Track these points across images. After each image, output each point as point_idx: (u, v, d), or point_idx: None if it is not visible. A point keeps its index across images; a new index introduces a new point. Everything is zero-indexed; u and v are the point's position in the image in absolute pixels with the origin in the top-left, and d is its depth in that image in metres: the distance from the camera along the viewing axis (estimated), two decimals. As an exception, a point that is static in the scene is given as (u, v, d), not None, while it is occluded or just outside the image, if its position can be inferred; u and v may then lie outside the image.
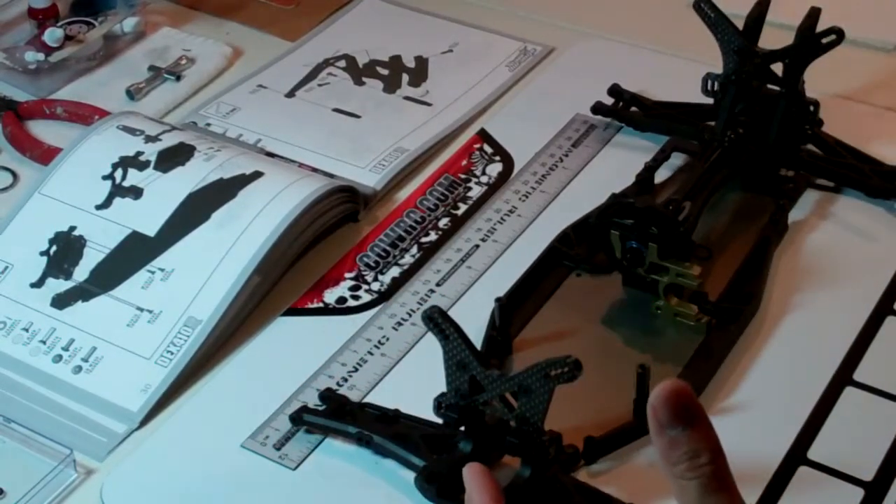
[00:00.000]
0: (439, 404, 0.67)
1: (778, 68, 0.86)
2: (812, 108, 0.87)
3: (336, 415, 0.71)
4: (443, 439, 0.68)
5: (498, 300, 0.77)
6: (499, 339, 0.76)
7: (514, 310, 0.78)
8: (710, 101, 0.89)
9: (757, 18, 0.86)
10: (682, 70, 0.96)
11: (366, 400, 0.74)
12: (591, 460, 0.70)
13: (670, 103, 0.94)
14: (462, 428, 0.67)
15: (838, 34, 0.83)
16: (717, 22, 0.86)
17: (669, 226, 0.75)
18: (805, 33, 0.84)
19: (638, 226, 0.76)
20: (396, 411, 0.71)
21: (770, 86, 0.87)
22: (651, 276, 0.77)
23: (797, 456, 0.70)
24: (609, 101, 0.96)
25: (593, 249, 0.81)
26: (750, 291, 0.79)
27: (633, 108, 0.95)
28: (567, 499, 0.65)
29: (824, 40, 0.83)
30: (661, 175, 0.85)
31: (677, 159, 0.88)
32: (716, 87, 0.88)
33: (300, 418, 0.72)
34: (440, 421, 0.68)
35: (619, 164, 0.90)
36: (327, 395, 0.73)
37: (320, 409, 0.72)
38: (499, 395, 0.65)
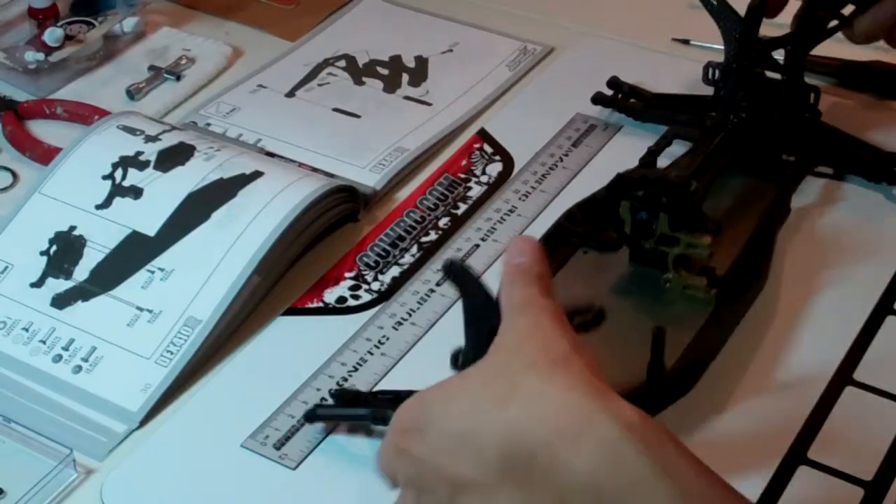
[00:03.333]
0: (456, 359, 0.66)
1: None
2: (813, 94, 0.87)
3: (350, 405, 0.71)
4: None
5: None
6: None
7: None
8: (710, 94, 0.89)
9: (758, 7, 0.86)
10: (683, 70, 0.97)
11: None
12: None
13: (669, 95, 0.95)
14: None
15: (841, 18, 0.82)
16: (719, 10, 0.86)
17: (680, 196, 0.75)
18: (806, 19, 0.84)
19: (648, 197, 0.75)
20: (411, 392, 0.71)
21: (771, 73, 0.87)
22: (661, 247, 0.76)
23: (797, 456, 0.70)
24: (609, 93, 0.96)
25: (599, 228, 0.81)
26: (757, 266, 0.79)
27: (633, 100, 0.95)
28: None
29: (828, 25, 0.83)
30: (661, 163, 0.85)
31: (677, 148, 0.87)
32: (717, 76, 0.88)
33: (315, 416, 0.72)
34: None
35: (619, 164, 0.89)
36: (339, 394, 0.73)
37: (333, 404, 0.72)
38: None
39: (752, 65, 0.86)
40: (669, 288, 0.77)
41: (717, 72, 0.88)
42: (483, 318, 0.64)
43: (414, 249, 0.85)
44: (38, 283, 0.81)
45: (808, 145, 0.89)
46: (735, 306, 0.77)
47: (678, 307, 0.77)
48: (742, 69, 0.86)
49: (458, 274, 0.64)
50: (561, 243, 0.82)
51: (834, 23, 0.83)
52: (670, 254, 0.76)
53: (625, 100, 0.95)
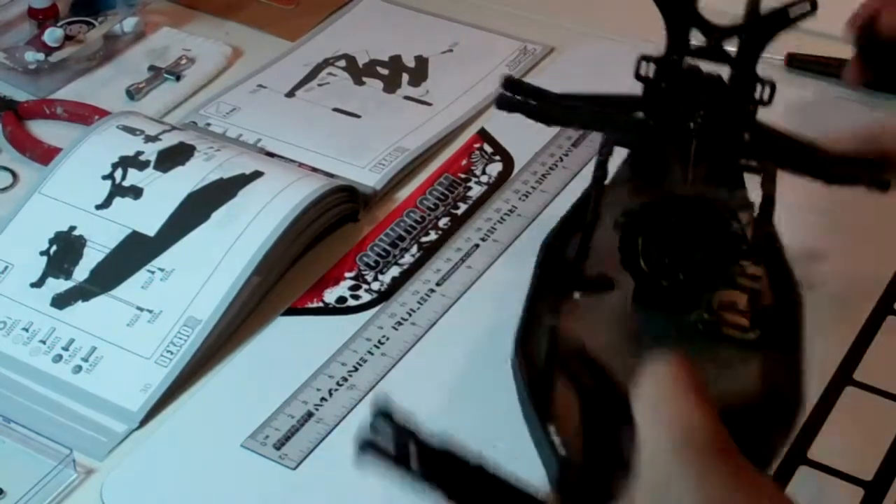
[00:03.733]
0: (560, 477, 0.56)
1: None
2: (770, 89, 0.72)
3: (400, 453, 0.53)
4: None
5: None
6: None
7: None
8: (627, 93, 0.76)
9: None
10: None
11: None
12: None
13: (580, 95, 0.79)
14: None
15: (812, 3, 0.69)
16: None
17: (725, 222, 0.64)
18: (754, 10, 0.72)
19: (686, 227, 0.64)
20: (479, 466, 0.52)
21: (718, 65, 0.74)
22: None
23: (797, 456, 0.70)
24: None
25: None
26: (790, 289, 0.69)
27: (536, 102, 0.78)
28: None
29: (793, 12, 0.70)
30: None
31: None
32: (649, 73, 0.74)
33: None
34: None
35: (618, 163, 0.90)
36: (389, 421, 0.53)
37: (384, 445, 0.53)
38: None
39: (700, 56, 0.74)
40: (703, 331, 0.65)
41: (650, 65, 0.74)
42: (605, 418, 0.54)
43: (414, 249, 0.85)
44: (38, 283, 0.81)
45: (762, 148, 0.74)
46: (791, 326, 0.67)
47: (718, 352, 0.65)
48: (679, 61, 0.74)
49: (582, 363, 0.55)
50: (549, 287, 0.70)
51: (805, 8, 0.69)
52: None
53: (526, 102, 0.77)
